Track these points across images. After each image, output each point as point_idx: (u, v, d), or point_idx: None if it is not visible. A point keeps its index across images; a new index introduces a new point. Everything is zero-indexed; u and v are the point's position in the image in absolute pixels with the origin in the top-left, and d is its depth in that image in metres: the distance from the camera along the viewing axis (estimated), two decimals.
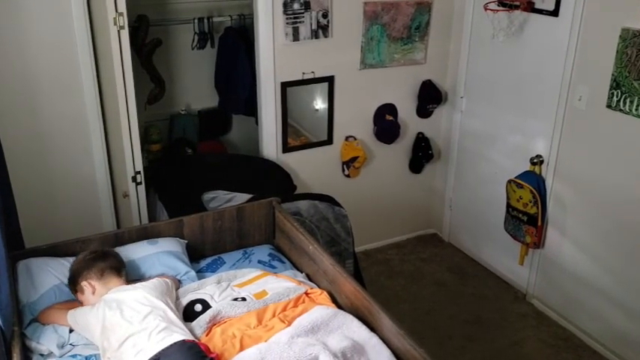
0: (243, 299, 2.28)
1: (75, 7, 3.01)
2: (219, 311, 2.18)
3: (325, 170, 4.14)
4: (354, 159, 4.14)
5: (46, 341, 2.13)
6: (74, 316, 2.18)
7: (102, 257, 2.33)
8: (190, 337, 2.00)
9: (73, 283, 2.31)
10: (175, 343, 1.93)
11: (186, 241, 2.72)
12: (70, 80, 3.13)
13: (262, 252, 2.79)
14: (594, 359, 3.38)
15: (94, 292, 2.24)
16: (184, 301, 2.27)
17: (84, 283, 2.27)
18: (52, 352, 2.12)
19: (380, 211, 4.41)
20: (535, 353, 3.45)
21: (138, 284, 2.28)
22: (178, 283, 2.46)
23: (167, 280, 2.36)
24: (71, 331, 2.18)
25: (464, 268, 4.25)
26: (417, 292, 3.94)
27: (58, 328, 2.19)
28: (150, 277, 2.42)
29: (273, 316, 2.16)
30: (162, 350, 1.91)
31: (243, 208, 2.90)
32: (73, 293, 2.32)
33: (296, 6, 3.66)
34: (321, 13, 3.75)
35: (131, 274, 2.45)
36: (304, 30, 3.74)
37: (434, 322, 3.68)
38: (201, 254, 2.79)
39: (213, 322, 2.14)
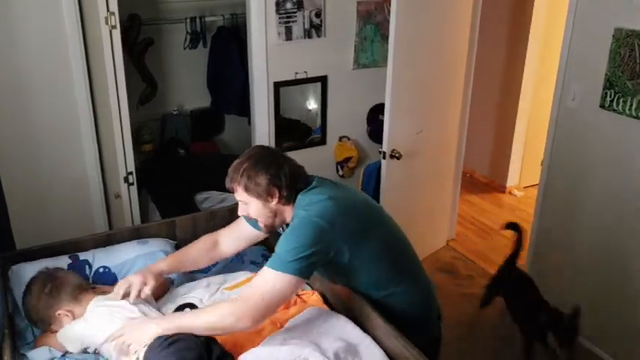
0: None
1: (66, 6, 2.99)
2: None
3: (319, 170, 4.06)
4: (347, 159, 4.13)
5: (39, 355, 2.10)
6: (66, 332, 2.11)
7: (62, 282, 2.19)
8: None
9: (42, 319, 2.18)
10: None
11: (175, 242, 2.70)
12: (61, 80, 3.11)
13: (255, 253, 2.77)
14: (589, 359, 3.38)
15: (73, 317, 2.15)
16: (173, 306, 2.25)
17: (59, 313, 2.14)
18: None
19: None
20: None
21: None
22: (167, 283, 2.43)
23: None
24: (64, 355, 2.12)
25: (456, 268, 4.25)
26: None
27: (52, 349, 2.12)
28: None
29: None
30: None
31: (236, 209, 2.87)
32: (44, 328, 2.19)
33: (289, 5, 3.65)
34: (314, 12, 3.74)
35: (122, 276, 2.43)
36: (297, 29, 3.73)
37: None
38: None
39: None
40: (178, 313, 2.10)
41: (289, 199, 1.98)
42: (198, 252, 2.32)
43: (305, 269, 1.87)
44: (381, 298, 2.08)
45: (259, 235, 2.26)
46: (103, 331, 2.04)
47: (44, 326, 2.20)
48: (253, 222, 2.18)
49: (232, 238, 2.33)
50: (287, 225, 2.06)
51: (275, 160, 2.00)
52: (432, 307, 2.25)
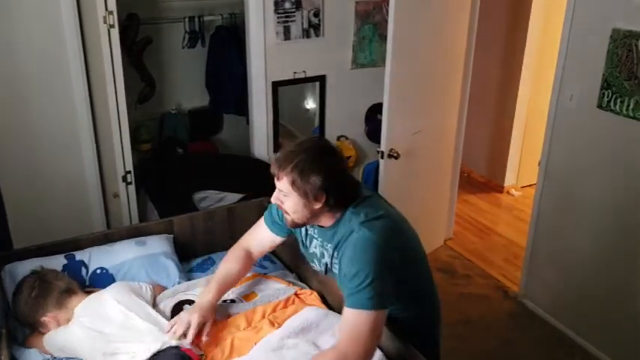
0: (232, 301, 2.26)
1: (64, 5, 2.99)
2: None
3: None
4: (346, 158, 4.13)
5: (31, 357, 2.11)
6: (50, 338, 2.10)
7: (48, 287, 2.19)
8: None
9: (29, 322, 2.19)
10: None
11: (172, 235, 2.69)
12: (60, 79, 3.11)
13: None
14: (585, 359, 3.39)
15: (58, 323, 2.15)
16: (173, 301, 2.25)
17: (44, 319, 2.15)
18: None
19: None
20: (526, 353, 3.46)
21: (104, 291, 2.23)
22: (162, 289, 2.43)
23: (145, 284, 2.33)
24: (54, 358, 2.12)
25: (454, 268, 4.25)
26: None
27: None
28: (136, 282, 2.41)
29: (263, 317, 2.15)
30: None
31: (234, 209, 2.88)
32: (31, 330, 2.21)
33: (287, 5, 3.65)
34: (312, 12, 3.75)
35: (120, 278, 2.43)
36: (295, 29, 3.74)
37: None
38: (192, 254, 2.77)
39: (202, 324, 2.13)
40: None
41: (334, 207, 1.85)
42: (238, 268, 2.20)
43: (386, 297, 1.79)
44: (397, 315, 2.00)
45: (278, 241, 2.20)
46: (82, 347, 2.04)
47: (32, 329, 2.20)
48: (276, 227, 2.14)
49: (258, 244, 2.24)
50: (315, 227, 1.98)
51: (333, 161, 1.84)
52: (439, 321, 2.21)
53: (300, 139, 1.91)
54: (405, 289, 1.92)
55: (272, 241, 2.22)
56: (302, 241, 2.12)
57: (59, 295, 2.18)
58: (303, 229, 2.06)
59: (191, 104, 4.76)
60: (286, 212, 1.88)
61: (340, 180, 1.84)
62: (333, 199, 1.82)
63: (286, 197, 1.84)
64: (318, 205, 1.82)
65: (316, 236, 2.02)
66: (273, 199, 1.91)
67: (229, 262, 2.21)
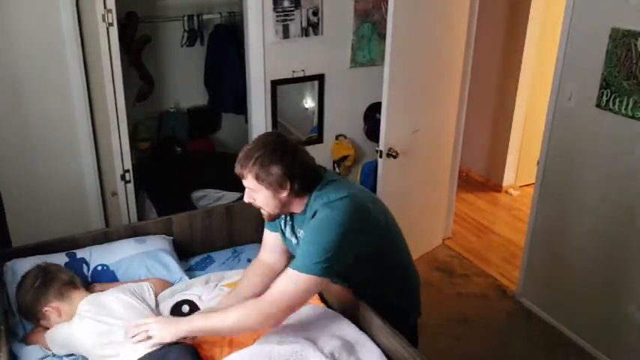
0: None
1: (63, 3, 2.98)
2: None
3: None
4: (344, 157, 4.13)
5: (31, 353, 2.10)
6: (52, 334, 2.11)
7: (51, 278, 2.20)
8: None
9: (31, 313, 2.19)
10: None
11: (172, 238, 2.70)
12: (58, 77, 3.10)
13: (252, 250, 2.77)
14: (583, 358, 3.39)
15: (60, 314, 2.15)
16: (171, 302, 2.25)
17: (46, 309, 2.15)
18: None
19: None
20: (524, 352, 3.46)
21: (109, 290, 2.24)
22: (167, 284, 2.43)
23: (146, 283, 2.33)
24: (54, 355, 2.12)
25: (452, 267, 4.25)
26: None
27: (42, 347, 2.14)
28: (137, 278, 2.42)
29: None
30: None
31: (233, 207, 2.89)
32: (34, 322, 2.22)
33: (286, 3, 3.65)
34: (311, 10, 3.74)
35: (121, 274, 2.44)
36: (294, 27, 3.73)
37: (422, 322, 3.67)
38: (191, 253, 2.78)
39: None
40: (205, 314, 1.99)
41: (300, 192, 1.93)
42: (255, 281, 2.20)
43: (329, 269, 1.85)
44: (374, 294, 2.10)
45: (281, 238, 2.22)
46: (82, 344, 2.04)
47: (33, 320, 2.21)
48: (272, 226, 2.16)
49: (269, 251, 2.24)
50: (291, 215, 2.04)
51: (290, 150, 1.92)
52: (416, 303, 2.33)
53: (256, 137, 2.00)
54: (380, 264, 2.04)
55: (279, 241, 2.21)
56: (282, 230, 2.15)
57: (61, 286, 2.19)
58: (282, 220, 2.11)
59: (190, 103, 4.75)
60: (260, 207, 1.97)
61: (301, 166, 1.93)
62: (298, 185, 1.91)
63: (256, 193, 1.93)
64: (284, 194, 1.91)
65: (290, 223, 2.08)
66: (245, 199, 1.99)
67: (252, 280, 2.22)
